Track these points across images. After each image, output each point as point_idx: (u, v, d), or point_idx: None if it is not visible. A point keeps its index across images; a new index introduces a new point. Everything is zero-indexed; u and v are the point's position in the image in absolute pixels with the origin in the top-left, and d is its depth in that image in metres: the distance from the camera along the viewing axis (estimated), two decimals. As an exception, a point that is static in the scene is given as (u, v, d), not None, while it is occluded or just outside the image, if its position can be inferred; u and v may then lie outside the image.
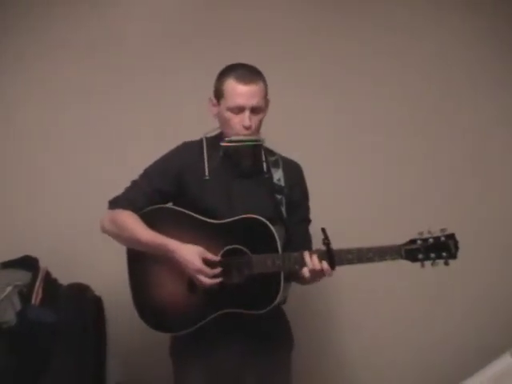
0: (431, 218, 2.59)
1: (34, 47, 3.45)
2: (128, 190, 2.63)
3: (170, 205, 2.63)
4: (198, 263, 2.43)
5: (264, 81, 2.57)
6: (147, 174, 2.64)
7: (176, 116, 3.41)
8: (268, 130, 2.62)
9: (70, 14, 3.45)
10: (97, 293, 3.22)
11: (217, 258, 2.48)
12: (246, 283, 2.48)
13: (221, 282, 2.47)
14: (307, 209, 2.73)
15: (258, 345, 2.57)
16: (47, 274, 3.16)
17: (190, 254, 2.44)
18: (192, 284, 2.50)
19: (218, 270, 2.47)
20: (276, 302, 2.46)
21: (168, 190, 2.60)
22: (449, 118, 3.52)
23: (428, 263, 2.38)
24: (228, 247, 2.50)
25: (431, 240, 2.37)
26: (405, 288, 3.38)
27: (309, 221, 2.72)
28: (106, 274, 3.26)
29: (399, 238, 2.43)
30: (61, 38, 3.45)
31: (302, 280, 2.53)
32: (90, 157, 3.45)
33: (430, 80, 3.52)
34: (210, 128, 2.65)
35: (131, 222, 2.54)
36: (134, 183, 2.64)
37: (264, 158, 2.65)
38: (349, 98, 3.51)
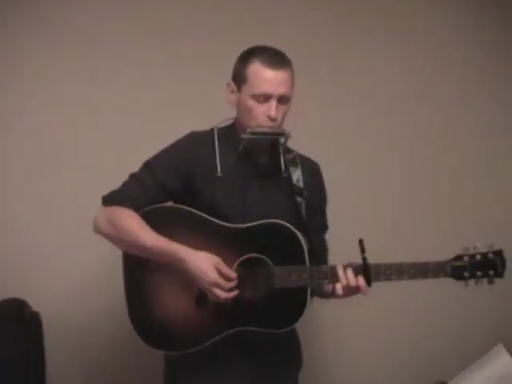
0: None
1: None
2: (126, 185, 2.27)
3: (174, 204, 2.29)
4: (213, 275, 2.10)
5: (292, 68, 2.26)
6: (149, 166, 2.28)
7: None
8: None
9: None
10: (34, 308, 2.86)
11: (233, 274, 2.15)
12: (264, 298, 2.17)
13: (236, 297, 2.15)
14: (325, 214, 2.45)
15: (269, 366, 2.29)
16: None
17: (205, 264, 2.11)
18: (201, 298, 2.17)
19: (233, 284, 2.14)
20: (299, 321, 2.17)
21: (174, 186, 2.25)
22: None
23: (472, 282, 2.15)
24: (246, 256, 2.18)
25: (478, 257, 2.14)
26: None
27: (327, 227, 2.45)
28: (42, 287, 2.96)
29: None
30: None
31: (325, 295, 2.26)
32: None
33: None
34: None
35: (133, 224, 2.18)
36: (134, 177, 2.28)
37: (282, 155, 2.33)
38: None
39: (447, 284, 2.25)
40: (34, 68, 3.01)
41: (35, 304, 2.84)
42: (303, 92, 2.41)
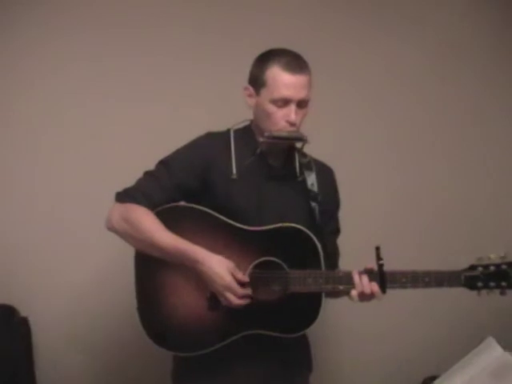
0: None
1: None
2: (141, 182, 2.24)
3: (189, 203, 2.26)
4: (228, 279, 2.09)
5: (310, 71, 2.24)
6: (165, 165, 2.25)
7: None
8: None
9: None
10: (23, 314, 2.86)
11: (246, 279, 2.14)
12: (278, 302, 2.16)
13: (250, 300, 2.14)
14: (338, 219, 2.44)
15: (279, 370, 2.28)
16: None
17: (220, 267, 2.10)
18: (214, 300, 2.15)
19: (248, 291, 2.13)
20: (312, 326, 2.17)
21: (190, 186, 2.23)
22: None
23: (484, 291, 2.18)
24: (261, 259, 2.17)
25: (492, 268, 2.16)
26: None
27: (339, 232, 2.44)
28: (31, 293, 2.93)
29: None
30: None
31: (338, 295, 2.27)
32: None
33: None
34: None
35: (149, 222, 2.15)
36: (149, 175, 2.25)
37: (297, 159, 2.34)
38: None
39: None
40: (33, 61, 2.98)
41: (24, 310, 2.84)
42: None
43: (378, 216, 3.24)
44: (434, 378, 2.35)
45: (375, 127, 3.29)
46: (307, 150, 2.36)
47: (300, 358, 2.37)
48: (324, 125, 3.12)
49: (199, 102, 3.04)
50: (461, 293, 2.25)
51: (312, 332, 2.32)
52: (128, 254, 2.23)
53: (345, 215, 2.46)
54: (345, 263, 2.34)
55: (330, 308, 2.37)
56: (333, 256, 2.35)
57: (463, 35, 3.38)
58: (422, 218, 3.31)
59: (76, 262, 2.94)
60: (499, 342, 2.13)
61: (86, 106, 3.01)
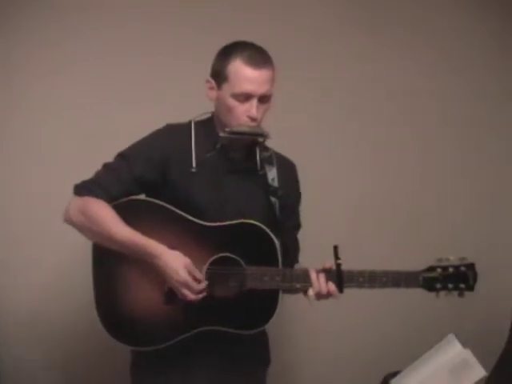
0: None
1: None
2: (100, 175, 2.23)
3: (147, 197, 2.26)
4: (183, 275, 2.08)
5: (273, 65, 2.23)
6: (124, 157, 2.24)
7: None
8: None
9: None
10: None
11: (201, 277, 2.12)
12: (235, 299, 2.16)
13: (207, 296, 2.13)
14: (299, 213, 2.43)
15: (236, 365, 2.27)
16: None
17: (177, 263, 2.09)
18: (171, 294, 2.15)
19: (203, 286, 2.12)
20: (269, 323, 2.17)
21: (149, 179, 2.22)
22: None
23: (442, 293, 2.17)
24: (219, 255, 2.16)
25: (451, 269, 2.15)
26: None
27: (300, 226, 2.43)
28: None
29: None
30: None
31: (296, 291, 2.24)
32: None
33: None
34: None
35: (106, 215, 2.15)
36: (108, 167, 2.24)
37: (258, 153, 2.31)
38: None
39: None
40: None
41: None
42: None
43: (349, 215, 3.22)
44: (395, 374, 2.36)
45: (351, 126, 3.29)
46: (286, 147, 2.37)
47: (259, 354, 2.36)
48: (302, 123, 3.15)
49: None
50: (421, 290, 2.26)
51: (272, 329, 2.32)
52: (90, 249, 2.23)
53: (315, 213, 2.45)
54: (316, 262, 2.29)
55: (292, 306, 2.36)
56: (293, 252, 2.34)
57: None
58: (393, 218, 3.29)
59: (36, 258, 2.92)
60: (459, 339, 2.14)
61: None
